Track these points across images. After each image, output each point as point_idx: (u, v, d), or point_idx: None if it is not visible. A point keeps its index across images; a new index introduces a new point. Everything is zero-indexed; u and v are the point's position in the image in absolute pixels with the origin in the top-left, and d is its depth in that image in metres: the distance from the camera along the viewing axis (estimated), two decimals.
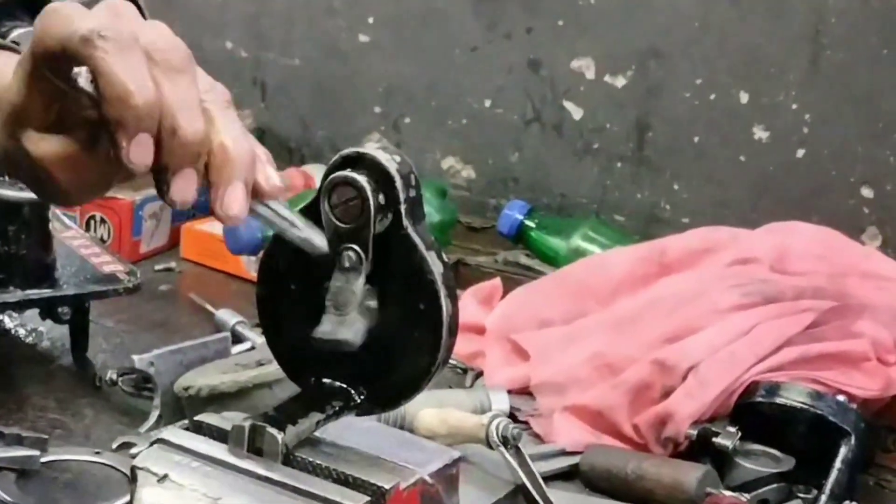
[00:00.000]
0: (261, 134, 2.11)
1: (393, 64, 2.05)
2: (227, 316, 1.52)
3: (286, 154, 2.13)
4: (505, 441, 1.08)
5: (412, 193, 0.78)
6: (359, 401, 0.81)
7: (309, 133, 2.14)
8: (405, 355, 0.79)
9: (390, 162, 0.77)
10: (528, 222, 1.80)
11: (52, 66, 0.68)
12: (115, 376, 1.33)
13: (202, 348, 1.31)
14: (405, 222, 0.77)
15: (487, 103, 1.98)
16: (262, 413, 0.79)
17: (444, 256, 0.79)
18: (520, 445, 1.09)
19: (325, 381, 0.81)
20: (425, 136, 2.03)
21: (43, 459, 1.17)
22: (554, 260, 1.74)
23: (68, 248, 1.41)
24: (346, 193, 0.76)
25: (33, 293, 1.33)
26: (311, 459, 0.78)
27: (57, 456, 1.19)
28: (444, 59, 2.00)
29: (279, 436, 0.77)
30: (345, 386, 0.81)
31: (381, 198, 0.76)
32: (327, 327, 0.76)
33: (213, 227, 1.76)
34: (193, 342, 1.32)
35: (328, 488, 0.75)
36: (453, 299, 0.79)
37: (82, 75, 0.67)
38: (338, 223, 0.77)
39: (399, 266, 0.78)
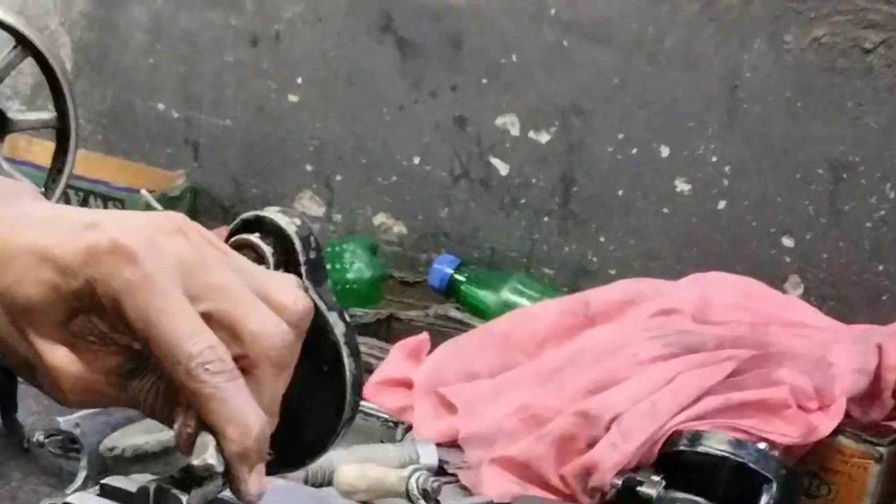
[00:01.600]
0: (194, 193, 2.13)
1: (322, 123, 2.07)
2: None
3: (220, 212, 2.15)
4: (425, 494, 1.09)
5: (312, 255, 0.79)
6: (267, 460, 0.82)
7: (242, 191, 2.15)
8: (311, 416, 0.79)
9: (290, 225, 0.78)
10: (458, 276, 1.83)
11: (104, 315, 0.64)
12: (42, 438, 1.33)
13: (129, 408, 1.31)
14: (306, 284, 0.79)
15: (416, 160, 2.01)
16: (169, 475, 0.80)
17: (346, 316, 0.80)
18: (439, 499, 1.10)
19: None
20: (356, 193, 2.06)
21: None
22: (484, 313, 1.76)
23: None
24: (246, 256, 0.77)
25: None
26: None
27: None
28: (372, 118, 2.03)
29: (184, 498, 0.77)
30: None
31: (282, 261, 0.77)
32: None
33: None
34: None
35: None
36: (357, 358, 0.79)
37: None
38: None
39: None
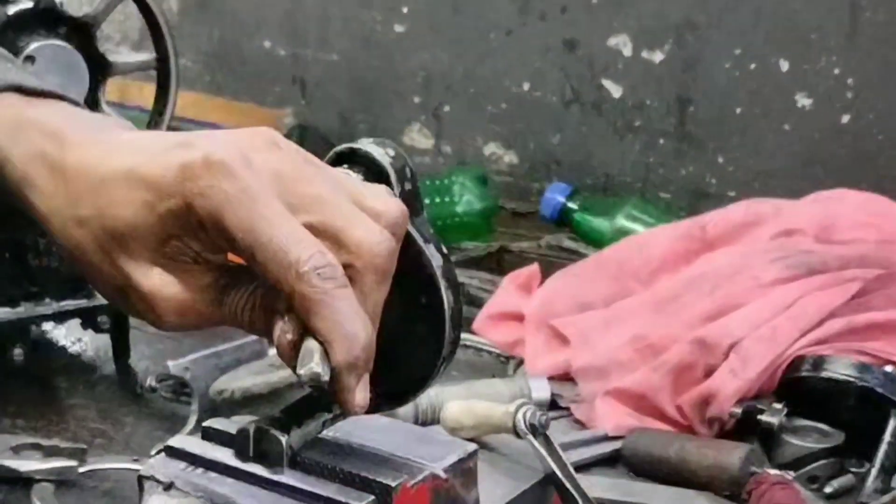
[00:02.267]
0: (302, 131, 2.12)
1: (429, 53, 2.04)
2: None
3: (329, 149, 2.12)
4: (533, 429, 1.06)
5: (407, 186, 0.77)
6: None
7: (350, 127, 2.14)
8: (410, 351, 0.78)
9: (384, 157, 0.76)
10: (570, 204, 1.79)
11: (203, 234, 0.64)
12: (153, 383, 1.34)
13: (238, 351, 1.31)
14: None
15: (526, 86, 1.97)
16: (268, 416, 0.79)
17: (444, 248, 0.78)
18: (549, 433, 1.07)
19: None
20: (465, 123, 2.03)
21: (81, 469, 1.18)
22: (599, 241, 1.73)
23: None
24: None
25: (69, 304, 1.35)
26: (317, 460, 0.77)
27: (95, 465, 1.20)
28: (479, 45, 2.00)
29: (283, 438, 0.76)
30: None
31: None
32: None
33: None
34: (229, 345, 1.32)
35: (332, 489, 0.75)
36: (455, 291, 0.77)
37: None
38: None
39: (397, 261, 0.77)
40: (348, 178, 0.70)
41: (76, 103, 0.73)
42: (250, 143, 0.65)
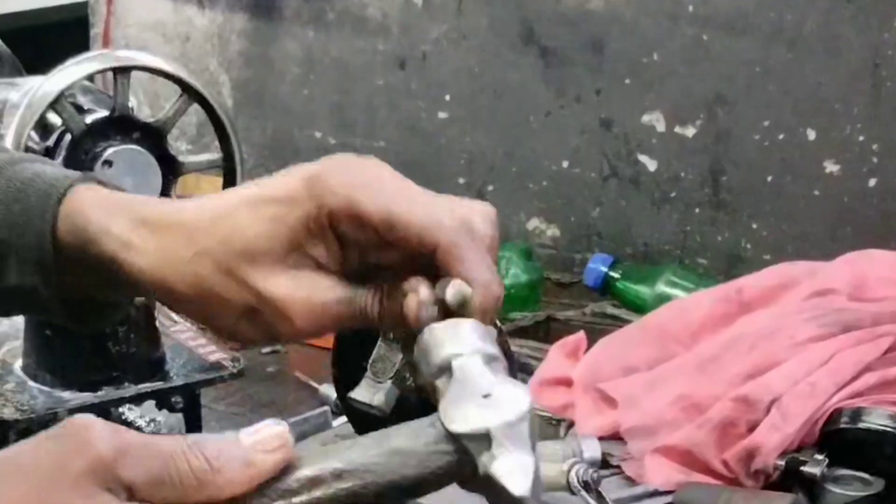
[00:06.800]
0: None
1: (472, 136, 2.13)
2: (331, 390, 1.59)
3: None
4: (586, 486, 1.12)
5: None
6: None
7: None
8: None
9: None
10: (612, 273, 1.86)
11: (353, 228, 0.70)
12: None
13: (303, 423, 1.37)
14: None
15: (565, 164, 2.05)
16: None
17: (497, 322, 0.86)
18: (602, 490, 1.14)
19: None
20: (509, 200, 2.10)
21: None
22: (641, 308, 1.79)
23: (176, 341, 1.50)
24: None
25: (146, 387, 1.41)
26: None
27: None
28: (519, 127, 2.08)
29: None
30: None
31: None
32: (362, 392, 0.80)
33: None
34: (294, 419, 1.39)
35: None
36: (510, 360, 0.84)
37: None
38: None
39: None
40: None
41: None
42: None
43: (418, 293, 0.70)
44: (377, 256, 0.73)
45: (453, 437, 0.63)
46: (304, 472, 0.63)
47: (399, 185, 0.71)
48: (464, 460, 0.64)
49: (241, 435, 0.62)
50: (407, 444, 0.64)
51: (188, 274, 0.72)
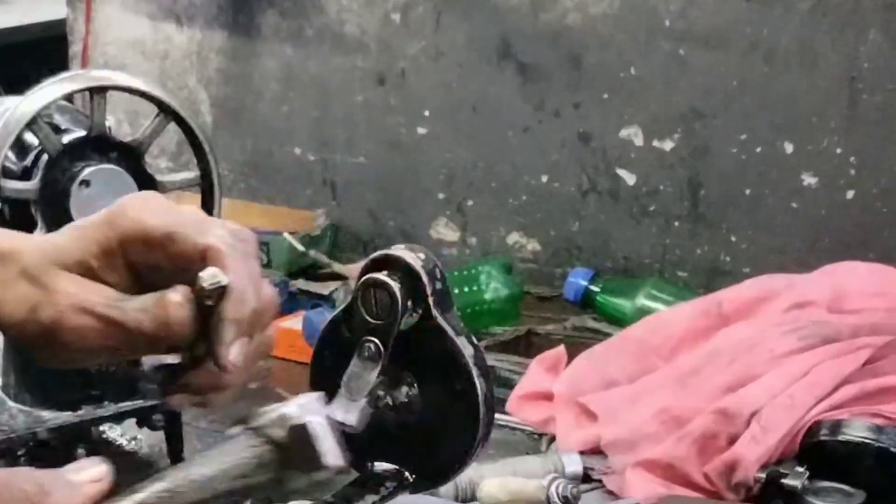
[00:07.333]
0: (335, 231, 2.21)
1: (451, 152, 2.13)
2: None
3: (360, 246, 2.22)
4: (566, 501, 1.13)
5: (438, 286, 0.86)
6: (411, 480, 0.88)
7: (379, 225, 2.23)
8: (449, 434, 0.86)
9: (416, 260, 0.85)
10: (592, 287, 1.87)
11: (141, 249, 0.78)
12: None
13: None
14: (434, 313, 0.85)
15: (544, 178, 2.06)
16: (321, 500, 0.86)
17: (474, 339, 0.87)
18: None
19: (379, 463, 0.88)
20: (489, 215, 2.11)
21: None
22: (621, 321, 1.79)
23: (157, 359, 1.49)
24: (379, 295, 0.84)
25: (126, 405, 1.40)
26: None
27: None
28: (498, 142, 2.09)
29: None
30: (397, 467, 0.88)
31: (410, 294, 0.84)
32: (335, 409, 0.81)
33: (296, 323, 1.84)
34: None
35: None
36: (486, 378, 0.86)
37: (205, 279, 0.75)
38: (368, 318, 0.84)
39: (432, 353, 0.86)
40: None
41: None
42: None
43: (177, 291, 0.76)
44: (164, 281, 0.78)
45: (256, 430, 0.73)
46: (136, 496, 0.71)
47: (180, 209, 0.79)
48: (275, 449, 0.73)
49: (67, 469, 0.70)
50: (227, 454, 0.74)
51: (19, 296, 0.79)
